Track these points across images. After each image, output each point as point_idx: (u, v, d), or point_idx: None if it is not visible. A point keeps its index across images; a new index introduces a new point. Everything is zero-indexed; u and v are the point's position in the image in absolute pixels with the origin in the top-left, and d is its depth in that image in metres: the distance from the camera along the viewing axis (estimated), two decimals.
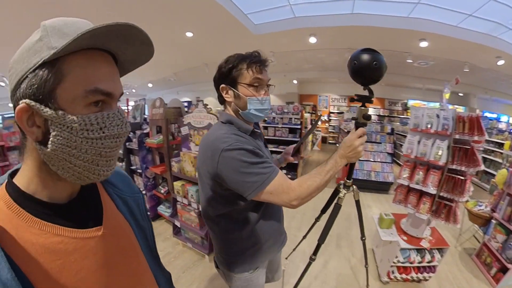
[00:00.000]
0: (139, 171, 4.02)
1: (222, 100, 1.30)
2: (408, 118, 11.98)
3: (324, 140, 13.27)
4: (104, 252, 0.57)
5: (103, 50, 0.50)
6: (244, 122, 1.24)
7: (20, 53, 0.47)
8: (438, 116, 2.50)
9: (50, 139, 0.46)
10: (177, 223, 3.30)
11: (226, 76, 1.20)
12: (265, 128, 6.52)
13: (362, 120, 1.23)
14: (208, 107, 2.79)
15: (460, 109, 10.58)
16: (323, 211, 1.82)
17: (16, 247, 0.45)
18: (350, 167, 1.40)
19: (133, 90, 14.83)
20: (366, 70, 1.15)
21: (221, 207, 1.24)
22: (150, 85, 14.10)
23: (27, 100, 0.44)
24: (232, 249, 1.33)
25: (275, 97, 13.90)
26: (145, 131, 3.94)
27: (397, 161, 8.33)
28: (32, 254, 0.46)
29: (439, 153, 2.43)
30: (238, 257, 1.33)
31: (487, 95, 9.95)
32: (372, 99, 1.24)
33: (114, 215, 0.66)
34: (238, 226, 1.27)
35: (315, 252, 1.62)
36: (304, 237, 2.23)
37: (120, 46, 0.51)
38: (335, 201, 1.54)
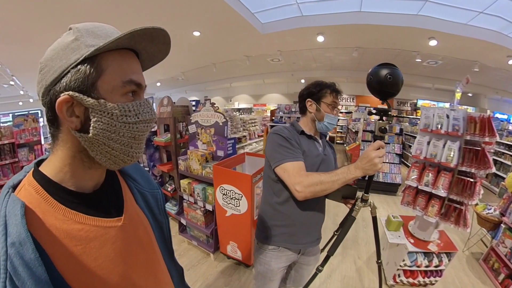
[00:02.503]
0: (146, 169, 4.04)
1: (303, 110, 1.62)
2: (417, 118, 11.85)
3: (331, 139, 13.13)
4: (122, 241, 0.60)
5: (129, 49, 0.57)
6: (299, 125, 1.57)
7: (55, 52, 0.51)
8: (448, 116, 2.45)
9: (92, 125, 0.51)
10: (183, 221, 3.31)
11: (314, 94, 1.55)
12: (272, 127, 6.43)
13: (379, 134, 1.29)
14: (215, 106, 2.80)
15: (470, 110, 10.42)
16: (342, 225, 1.80)
17: (43, 230, 0.48)
18: (369, 180, 1.40)
19: None
20: (381, 84, 1.20)
21: (268, 173, 1.53)
22: (158, 84, 14.19)
23: (70, 92, 0.49)
24: (266, 222, 1.59)
25: (282, 96, 13.90)
26: (153, 129, 3.96)
27: (405, 162, 8.23)
28: (56, 238, 0.49)
29: (451, 155, 2.37)
30: (269, 230, 1.57)
31: (497, 95, 9.77)
32: (390, 112, 1.31)
33: (133, 207, 0.70)
34: (277, 200, 1.51)
35: (323, 263, 1.63)
36: (322, 250, 2.22)
37: (146, 46, 0.58)
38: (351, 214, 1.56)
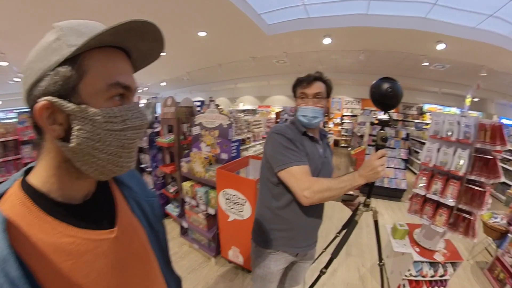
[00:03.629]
0: (148, 169, 4.02)
1: None
2: (423, 122, 11.74)
3: (336, 143, 13.06)
4: (116, 254, 0.57)
5: (117, 47, 0.51)
6: (301, 125, 1.50)
7: (37, 52, 0.47)
8: (459, 123, 2.39)
9: (74, 133, 0.47)
10: (185, 224, 3.27)
11: (294, 92, 1.56)
12: None
13: (380, 142, 1.36)
14: (220, 107, 2.76)
15: (476, 115, 10.32)
16: (344, 226, 1.82)
17: (27, 245, 0.44)
18: (370, 186, 1.47)
19: (146, 88, 14.97)
20: (383, 96, 1.32)
21: (268, 176, 1.50)
22: (163, 83, 14.22)
23: (48, 97, 0.45)
24: (264, 225, 1.57)
25: (287, 98, 13.83)
26: (156, 130, 3.93)
27: (411, 167, 8.13)
28: (43, 252, 0.45)
29: (461, 163, 2.31)
30: (267, 234, 1.55)
31: (505, 100, 9.63)
32: (390, 123, 1.42)
33: (128, 217, 0.66)
34: (275, 204, 1.50)
35: (326, 266, 1.66)
36: (324, 250, 2.22)
37: (136, 43, 0.52)
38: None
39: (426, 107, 12.38)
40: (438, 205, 2.48)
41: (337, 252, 1.59)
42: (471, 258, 3.40)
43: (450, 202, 2.33)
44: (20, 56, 7.27)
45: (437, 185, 2.46)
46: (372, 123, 1.69)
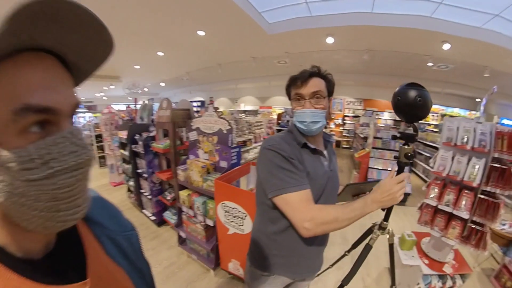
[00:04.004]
0: (145, 175, 3.86)
1: None
2: (426, 123, 11.62)
3: (338, 144, 12.96)
4: None
5: (40, 50, 0.36)
6: (299, 134, 1.28)
7: None
8: (475, 130, 2.27)
9: None
10: (183, 234, 3.12)
11: (286, 92, 1.34)
12: (278, 131, 6.30)
13: (404, 160, 1.18)
14: (219, 110, 2.59)
15: (477, 115, 10.15)
16: (354, 246, 1.66)
17: None
18: (389, 208, 1.28)
19: (146, 89, 14.85)
20: (410, 106, 1.11)
21: (262, 198, 1.28)
22: (162, 84, 14.09)
23: None
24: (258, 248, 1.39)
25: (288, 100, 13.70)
26: (151, 134, 3.78)
27: (415, 170, 7.99)
28: None
29: (474, 173, 2.19)
30: (264, 258, 1.36)
31: (507, 101, 9.51)
32: (417, 137, 1.18)
33: (101, 262, 0.54)
34: (269, 228, 1.31)
35: None
36: (331, 266, 2.08)
37: (61, 37, 0.37)
38: (366, 241, 1.45)
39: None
40: (450, 216, 2.37)
41: (348, 279, 1.44)
42: (477, 266, 3.30)
43: (464, 214, 2.22)
44: None
45: (450, 196, 2.35)
46: (394, 137, 1.57)
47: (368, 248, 1.42)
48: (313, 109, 1.21)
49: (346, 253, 1.87)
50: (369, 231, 1.49)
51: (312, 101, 1.22)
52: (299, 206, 1.11)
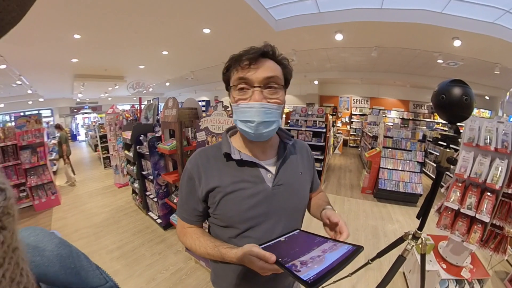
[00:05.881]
0: (150, 177, 3.74)
1: None
2: (435, 122, 11.43)
3: (345, 143, 12.83)
4: None
5: None
6: (227, 138, 1.01)
7: None
8: (497, 130, 2.20)
9: None
10: None
11: (225, 80, 0.97)
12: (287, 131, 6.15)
13: (445, 164, 1.12)
14: (228, 109, 2.45)
15: (486, 114, 10.11)
16: (379, 255, 1.52)
17: None
18: (423, 217, 1.20)
19: (151, 89, 14.80)
20: (456, 105, 1.05)
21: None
22: (167, 83, 14.02)
23: None
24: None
25: (295, 98, 13.57)
26: (157, 134, 3.64)
27: (426, 171, 7.77)
28: None
29: (498, 175, 2.11)
30: None
31: None
32: (459, 139, 1.02)
33: None
34: None
35: None
36: (350, 274, 1.95)
37: None
38: (400, 253, 1.37)
39: None
40: (471, 220, 2.30)
41: None
42: (490, 269, 3.17)
43: (485, 217, 2.14)
44: (21, 59, 7.16)
45: (471, 199, 2.27)
46: (435, 139, 1.45)
47: (401, 260, 1.34)
48: (266, 103, 0.86)
49: (370, 261, 1.75)
50: (400, 240, 1.36)
51: (265, 91, 0.87)
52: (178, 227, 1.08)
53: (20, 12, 0.29)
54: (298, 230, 0.88)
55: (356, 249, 0.64)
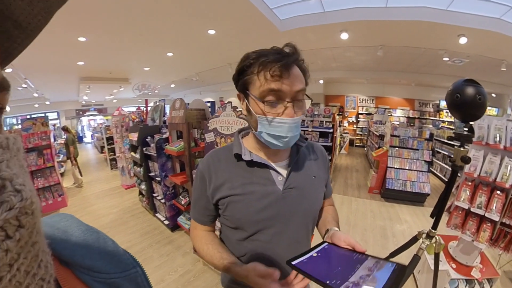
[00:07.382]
0: (157, 178, 3.74)
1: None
2: (440, 120, 11.35)
3: (351, 142, 12.78)
4: None
5: None
6: (239, 139, 0.99)
7: None
8: (506, 128, 2.19)
9: None
10: None
11: (236, 80, 0.87)
12: None
13: (460, 163, 1.12)
14: (237, 110, 2.45)
15: (493, 111, 10.01)
16: (393, 254, 1.52)
17: None
18: (437, 216, 1.21)
19: (156, 91, 14.88)
20: (469, 105, 1.06)
21: None
22: (172, 85, 14.08)
23: None
24: None
25: None
26: (164, 136, 3.65)
27: (433, 170, 7.73)
28: None
29: (508, 173, 2.11)
30: None
31: None
32: (473, 138, 1.13)
33: None
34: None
35: None
36: None
37: None
38: (415, 253, 1.35)
39: (443, 103, 11.93)
40: (481, 219, 2.31)
41: None
42: (498, 268, 3.13)
43: (495, 216, 2.15)
44: (27, 62, 7.22)
45: (482, 198, 2.27)
46: (450, 138, 1.45)
47: (416, 259, 1.32)
48: (297, 118, 0.82)
49: None
50: (414, 239, 1.35)
51: (296, 105, 0.82)
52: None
53: (45, 15, 0.30)
54: (326, 243, 0.81)
55: (402, 268, 0.61)
